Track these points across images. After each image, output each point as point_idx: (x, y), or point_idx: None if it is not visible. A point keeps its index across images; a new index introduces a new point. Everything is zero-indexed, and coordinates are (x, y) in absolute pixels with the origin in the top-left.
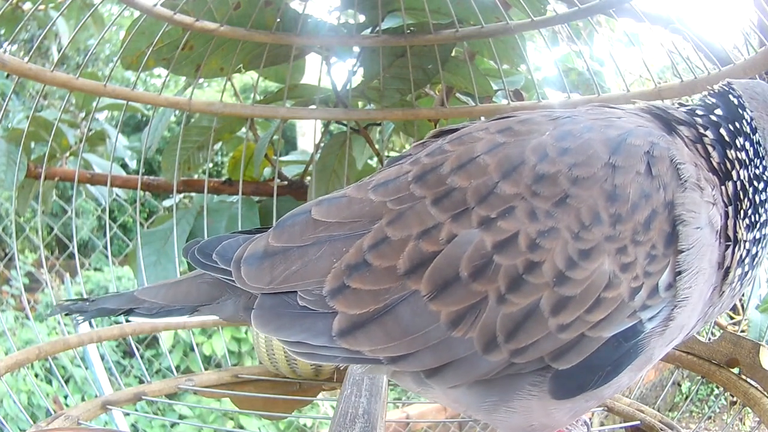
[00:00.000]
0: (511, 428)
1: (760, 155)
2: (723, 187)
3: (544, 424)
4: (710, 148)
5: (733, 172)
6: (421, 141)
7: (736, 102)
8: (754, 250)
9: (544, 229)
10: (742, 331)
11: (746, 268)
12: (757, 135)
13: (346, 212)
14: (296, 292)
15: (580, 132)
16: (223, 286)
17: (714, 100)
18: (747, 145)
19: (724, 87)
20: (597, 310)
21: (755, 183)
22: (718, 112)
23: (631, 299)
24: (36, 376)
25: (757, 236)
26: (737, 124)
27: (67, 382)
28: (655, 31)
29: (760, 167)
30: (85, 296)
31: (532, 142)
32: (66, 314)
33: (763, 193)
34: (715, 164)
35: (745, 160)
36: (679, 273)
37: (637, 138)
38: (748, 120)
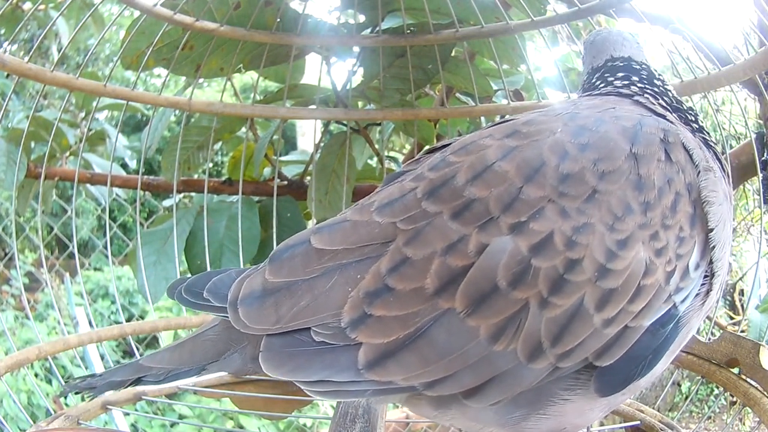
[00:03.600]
0: None
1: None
2: (715, 154)
3: (575, 425)
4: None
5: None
6: (415, 158)
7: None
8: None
9: (579, 225)
10: (742, 331)
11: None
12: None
13: (353, 237)
14: (309, 328)
15: (595, 126)
16: (227, 340)
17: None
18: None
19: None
20: (638, 298)
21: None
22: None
23: (667, 283)
24: (36, 376)
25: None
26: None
27: (67, 382)
28: (655, 31)
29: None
30: (94, 375)
31: (547, 142)
32: (76, 393)
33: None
34: (708, 140)
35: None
36: (713, 248)
37: (650, 127)
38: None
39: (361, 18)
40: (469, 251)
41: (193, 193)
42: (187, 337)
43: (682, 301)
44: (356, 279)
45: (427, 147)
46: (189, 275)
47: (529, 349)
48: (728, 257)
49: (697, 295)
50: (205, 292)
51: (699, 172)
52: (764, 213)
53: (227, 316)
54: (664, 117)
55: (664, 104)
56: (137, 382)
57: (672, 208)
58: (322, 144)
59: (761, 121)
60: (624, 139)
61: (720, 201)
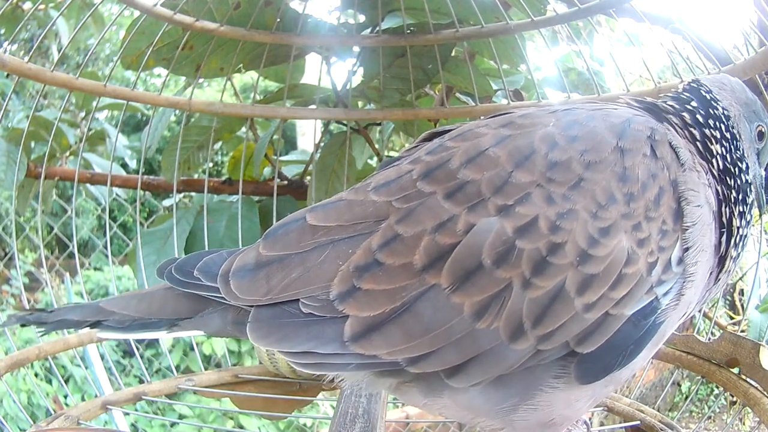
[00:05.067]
0: (530, 427)
1: (737, 140)
2: (711, 172)
3: (564, 416)
4: (696, 133)
5: (716, 158)
6: (413, 145)
7: (708, 96)
8: (743, 232)
9: (563, 211)
10: (742, 331)
11: (738, 250)
12: (730, 121)
13: (348, 215)
14: (298, 300)
15: (585, 121)
16: (206, 298)
17: (687, 94)
18: (723, 128)
19: (694, 83)
20: (619, 286)
21: (739, 164)
22: (693, 104)
23: (649, 274)
24: (36, 375)
25: (747, 219)
26: (711, 111)
27: (67, 381)
28: (655, 31)
29: (739, 152)
30: (44, 309)
31: (539, 133)
32: (22, 325)
33: (744, 175)
34: (701, 149)
35: (726, 145)
36: (687, 249)
37: (638, 124)
38: (721, 109)
39: (361, 18)
40: (457, 230)
41: (193, 193)
42: (159, 286)
43: (665, 294)
44: (348, 254)
45: (425, 132)
46: None
47: (511, 328)
48: (707, 268)
49: (674, 293)
50: (195, 271)
51: (685, 170)
52: (764, 213)
53: (217, 296)
54: (665, 119)
55: (688, 133)
56: (96, 326)
57: (655, 201)
58: (322, 144)
59: None
60: (611, 134)
61: (699, 203)
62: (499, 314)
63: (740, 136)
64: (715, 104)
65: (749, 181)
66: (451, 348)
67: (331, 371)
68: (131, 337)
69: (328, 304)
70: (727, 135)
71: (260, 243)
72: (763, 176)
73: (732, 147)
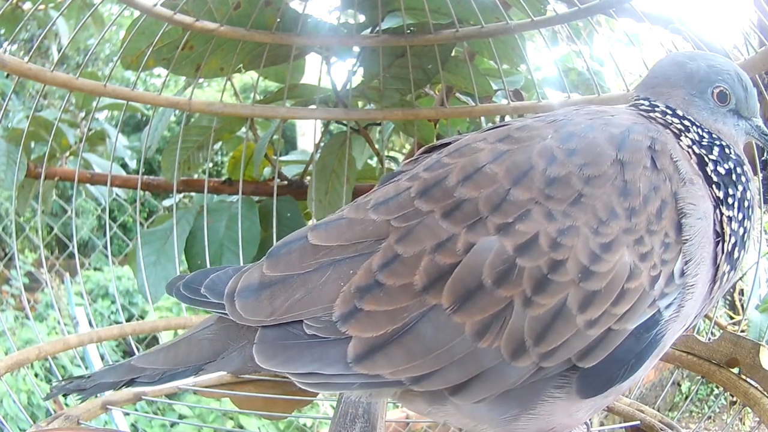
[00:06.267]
0: None
1: (698, 126)
2: (706, 177)
3: (565, 424)
4: (688, 141)
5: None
6: (413, 158)
7: (648, 106)
8: (734, 240)
9: (564, 228)
10: (742, 331)
11: (732, 263)
12: (678, 111)
13: (348, 234)
14: (302, 321)
15: (583, 132)
16: (225, 339)
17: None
18: (678, 122)
19: (633, 108)
20: (622, 301)
21: (710, 155)
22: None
23: (651, 288)
24: (36, 376)
25: (743, 228)
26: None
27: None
28: (655, 31)
29: (704, 139)
30: (82, 376)
31: (536, 147)
32: (64, 395)
33: (722, 166)
34: (695, 158)
35: (690, 137)
36: (687, 261)
37: (638, 134)
38: (662, 106)
39: (361, 18)
40: (457, 250)
41: (193, 193)
42: (182, 336)
43: (667, 307)
44: (349, 274)
45: (425, 146)
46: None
47: (513, 346)
48: (706, 280)
49: (676, 306)
50: (202, 289)
51: (684, 183)
52: (764, 213)
53: (224, 313)
54: (665, 125)
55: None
56: (130, 383)
57: (657, 214)
58: (322, 144)
59: None
60: (611, 146)
61: (699, 215)
62: (501, 333)
63: (696, 119)
64: (654, 106)
65: (730, 170)
66: (454, 367)
67: (336, 390)
68: (167, 385)
69: (331, 326)
70: (686, 124)
71: (264, 262)
72: (759, 126)
73: (697, 136)
